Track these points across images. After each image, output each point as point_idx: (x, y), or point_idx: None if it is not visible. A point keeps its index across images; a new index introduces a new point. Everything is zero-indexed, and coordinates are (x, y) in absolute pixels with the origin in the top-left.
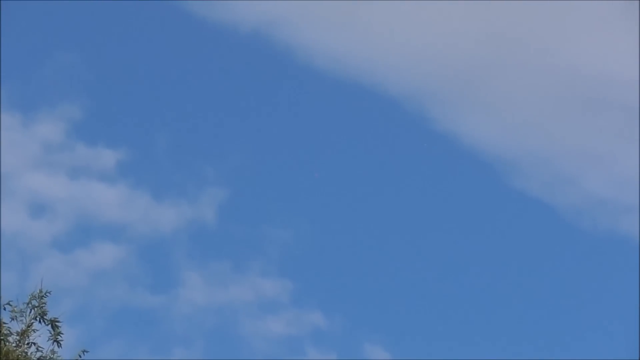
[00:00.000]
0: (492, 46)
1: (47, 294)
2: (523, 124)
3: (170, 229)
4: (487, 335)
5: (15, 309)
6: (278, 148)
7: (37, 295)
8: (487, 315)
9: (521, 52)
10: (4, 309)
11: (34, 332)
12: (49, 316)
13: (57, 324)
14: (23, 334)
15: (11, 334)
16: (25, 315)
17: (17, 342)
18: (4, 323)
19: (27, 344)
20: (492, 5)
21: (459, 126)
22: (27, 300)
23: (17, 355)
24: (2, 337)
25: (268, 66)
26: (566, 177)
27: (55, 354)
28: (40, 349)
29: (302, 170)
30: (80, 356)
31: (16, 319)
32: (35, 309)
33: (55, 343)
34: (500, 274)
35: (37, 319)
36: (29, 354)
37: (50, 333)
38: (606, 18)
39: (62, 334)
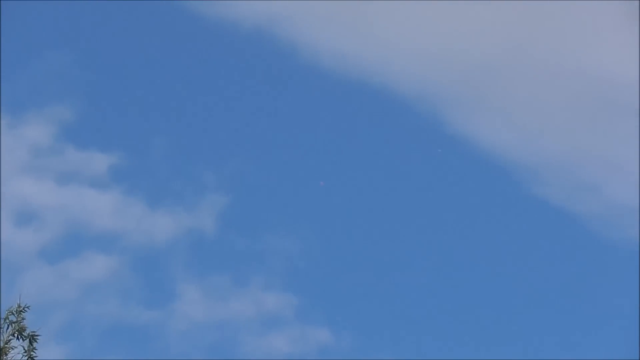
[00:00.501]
0: (505, 47)
1: (26, 308)
2: (541, 128)
3: (167, 238)
4: (499, 341)
5: None
6: (282, 152)
7: (15, 311)
8: (504, 328)
9: (533, 53)
10: None
11: (13, 349)
12: (28, 332)
13: (35, 338)
14: (0, 352)
15: None
16: (2, 331)
17: None
18: None
19: None
20: (504, 5)
21: (474, 130)
22: (4, 316)
23: None
24: None
25: (271, 65)
26: (587, 184)
27: None
28: None
29: (307, 175)
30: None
31: None
32: (13, 324)
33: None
34: (521, 284)
35: (15, 335)
36: None
37: (24, 349)
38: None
39: (35, 349)
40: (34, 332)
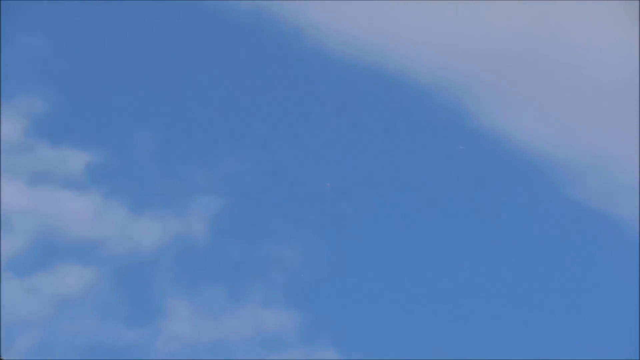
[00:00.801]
0: (536, 33)
1: None
2: (576, 123)
3: (152, 247)
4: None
5: None
6: (284, 148)
7: None
8: (536, 330)
9: (564, 43)
10: None
11: None
12: None
13: None
14: None
15: None
16: None
17: None
18: None
19: None
20: None
21: (502, 123)
22: None
23: None
24: None
25: (271, 50)
26: (627, 185)
27: None
28: None
29: (312, 175)
30: None
31: None
32: None
33: None
34: (558, 292)
35: None
36: None
37: None
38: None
39: None
40: None
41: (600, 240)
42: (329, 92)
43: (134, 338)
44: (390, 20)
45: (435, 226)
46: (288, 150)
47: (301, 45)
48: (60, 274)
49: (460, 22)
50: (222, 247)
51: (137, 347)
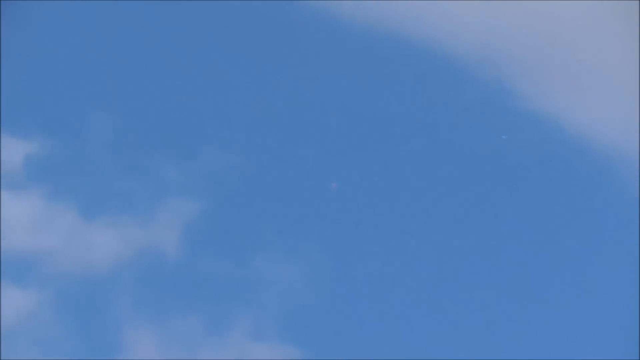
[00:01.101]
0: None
1: None
2: None
3: (109, 263)
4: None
5: None
6: (278, 137)
7: None
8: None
9: None
10: None
11: None
12: None
13: None
14: None
15: None
16: None
17: None
18: None
19: None
20: None
21: (558, 106)
22: None
23: None
24: None
25: (265, 12)
26: None
27: None
28: None
29: (314, 172)
30: None
31: None
32: None
33: None
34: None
35: None
36: None
37: None
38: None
39: None
40: None
41: None
42: (338, 66)
43: None
44: None
45: (475, 237)
46: (284, 139)
47: (303, 6)
48: None
49: None
50: (198, 263)
51: None
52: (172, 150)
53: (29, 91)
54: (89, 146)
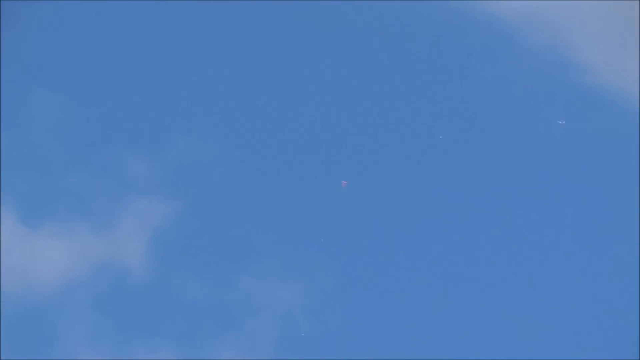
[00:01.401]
0: None
1: None
2: None
3: (59, 282)
4: None
5: None
6: (273, 123)
7: None
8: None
9: None
10: None
11: None
12: None
13: None
14: None
15: None
16: None
17: None
18: None
19: None
20: None
21: (620, 79)
22: None
23: None
24: None
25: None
26: None
27: None
28: None
29: (318, 168)
30: None
31: None
32: None
33: None
34: None
35: None
36: None
37: None
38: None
39: None
40: None
41: None
42: (344, 37)
43: None
44: None
45: (519, 248)
46: (281, 127)
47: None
48: None
49: None
50: (170, 281)
51: None
52: (136, 142)
53: None
54: (32, 137)
